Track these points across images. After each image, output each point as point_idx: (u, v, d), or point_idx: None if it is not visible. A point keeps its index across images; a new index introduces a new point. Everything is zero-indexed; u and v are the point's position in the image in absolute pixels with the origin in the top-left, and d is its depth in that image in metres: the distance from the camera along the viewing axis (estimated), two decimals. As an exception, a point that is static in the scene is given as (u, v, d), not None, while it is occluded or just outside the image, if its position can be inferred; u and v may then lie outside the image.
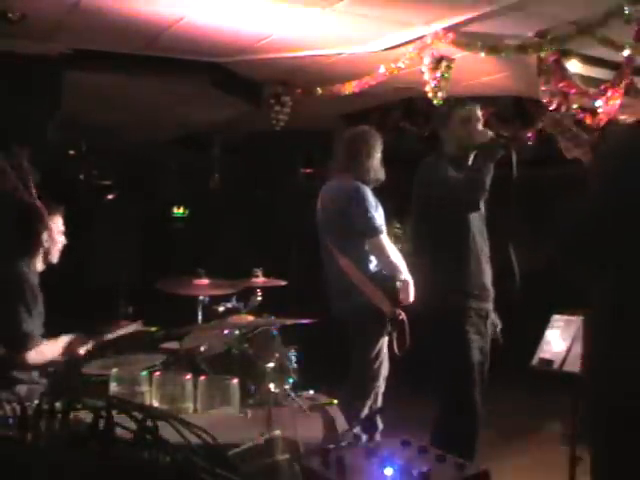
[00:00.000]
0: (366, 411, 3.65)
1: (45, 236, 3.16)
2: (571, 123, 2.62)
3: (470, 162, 3.45)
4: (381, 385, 3.75)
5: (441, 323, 3.34)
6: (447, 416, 3.32)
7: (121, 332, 3.32)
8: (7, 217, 3.16)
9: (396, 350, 3.70)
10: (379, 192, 3.90)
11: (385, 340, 3.72)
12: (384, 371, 3.75)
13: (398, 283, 3.66)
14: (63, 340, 3.16)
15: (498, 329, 3.55)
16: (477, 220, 3.43)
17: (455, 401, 3.33)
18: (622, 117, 4.38)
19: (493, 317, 3.49)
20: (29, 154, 3.34)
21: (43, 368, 3.00)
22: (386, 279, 3.70)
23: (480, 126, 3.43)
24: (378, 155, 3.89)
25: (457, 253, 3.35)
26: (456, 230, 3.36)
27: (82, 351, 3.16)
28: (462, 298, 3.32)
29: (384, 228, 3.74)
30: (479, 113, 3.44)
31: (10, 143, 3.43)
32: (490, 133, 3.40)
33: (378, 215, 3.74)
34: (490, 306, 3.46)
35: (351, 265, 3.71)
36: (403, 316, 3.65)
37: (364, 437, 3.08)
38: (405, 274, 3.71)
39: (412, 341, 3.63)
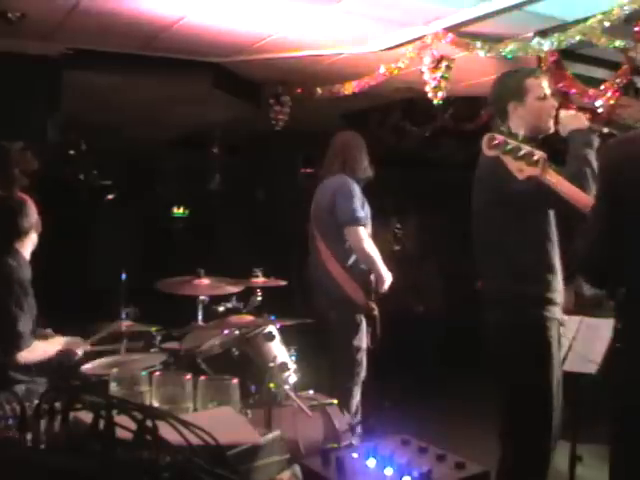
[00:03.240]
0: (357, 399, 3.80)
1: (29, 228, 3.08)
2: (516, 143, 2.39)
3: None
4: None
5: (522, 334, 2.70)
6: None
7: (103, 333, 3.32)
8: None
9: (369, 343, 3.87)
10: (379, 192, 3.96)
11: (364, 329, 3.87)
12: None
13: (372, 276, 3.81)
14: (58, 342, 3.12)
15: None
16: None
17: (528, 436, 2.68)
18: (622, 117, 4.38)
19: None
20: (19, 147, 3.31)
21: (38, 367, 2.95)
22: (361, 272, 3.84)
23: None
24: (366, 156, 4.08)
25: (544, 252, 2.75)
26: (540, 227, 2.76)
27: (79, 351, 3.13)
28: (544, 305, 2.70)
29: (366, 222, 3.88)
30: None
31: None
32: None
33: (362, 210, 3.89)
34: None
35: (331, 256, 3.87)
36: (376, 310, 3.81)
37: (364, 437, 3.09)
38: (382, 269, 3.84)
39: (383, 334, 3.80)
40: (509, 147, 2.35)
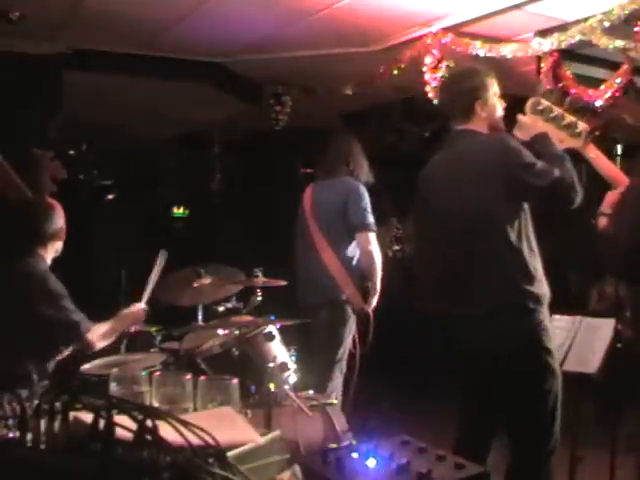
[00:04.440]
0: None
1: (53, 234, 3.04)
2: (561, 112, 2.32)
3: None
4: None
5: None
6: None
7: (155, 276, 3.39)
8: (6, 217, 3.08)
9: (353, 348, 3.87)
10: (379, 192, 3.97)
11: (352, 335, 3.88)
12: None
13: (370, 284, 3.85)
14: (121, 316, 3.14)
15: None
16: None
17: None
18: (622, 117, 4.38)
19: None
20: (50, 156, 3.38)
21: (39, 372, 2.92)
22: (361, 276, 3.89)
23: None
24: (366, 161, 4.12)
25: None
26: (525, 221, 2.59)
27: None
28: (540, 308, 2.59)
29: (375, 229, 3.92)
30: None
31: (25, 146, 3.48)
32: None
33: (373, 216, 3.92)
34: None
35: (333, 257, 3.88)
36: (371, 316, 3.84)
37: (364, 438, 3.09)
38: (379, 283, 3.86)
39: (383, 334, 3.81)
40: (553, 114, 2.25)
